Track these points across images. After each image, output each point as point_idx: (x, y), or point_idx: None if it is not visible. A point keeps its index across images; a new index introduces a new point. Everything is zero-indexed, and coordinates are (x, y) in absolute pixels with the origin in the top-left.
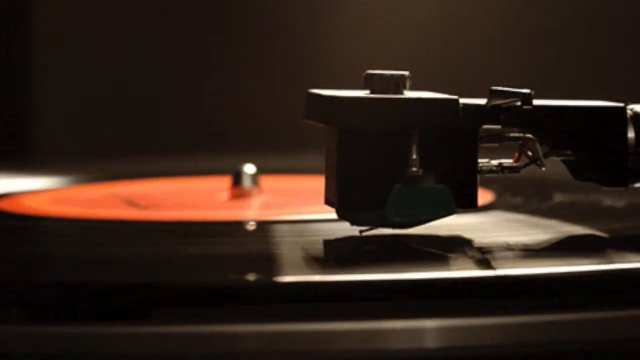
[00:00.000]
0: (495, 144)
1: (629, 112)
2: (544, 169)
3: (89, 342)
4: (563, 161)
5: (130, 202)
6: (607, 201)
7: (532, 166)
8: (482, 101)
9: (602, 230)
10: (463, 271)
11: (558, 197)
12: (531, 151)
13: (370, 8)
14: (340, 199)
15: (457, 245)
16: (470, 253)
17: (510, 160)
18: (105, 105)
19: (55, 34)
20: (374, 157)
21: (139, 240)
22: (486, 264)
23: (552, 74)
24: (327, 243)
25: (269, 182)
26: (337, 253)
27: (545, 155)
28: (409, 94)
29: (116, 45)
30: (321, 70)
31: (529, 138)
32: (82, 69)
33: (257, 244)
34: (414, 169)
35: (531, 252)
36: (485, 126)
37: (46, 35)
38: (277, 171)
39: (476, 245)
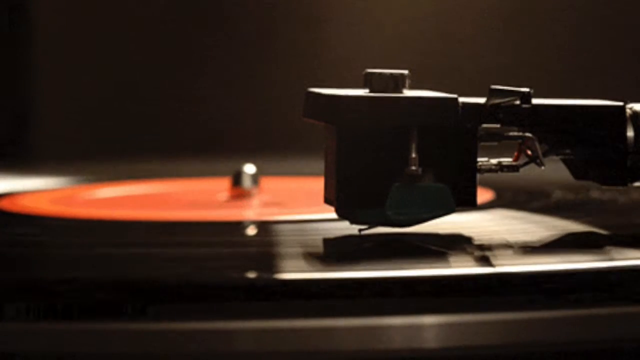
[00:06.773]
0: (495, 143)
1: (628, 111)
2: (543, 167)
3: (88, 340)
4: (562, 160)
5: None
6: (607, 200)
7: (532, 165)
8: (482, 100)
9: (601, 228)
10: (463, 269)
11: (557, 196)
12: (530, 150)
13: (370, 7)
14: (340, 198)
15: (456, 243)
16: (469, 251)
17: (510, 159)
18: (105, 105)
19: (55, 34)
20: (373, 155)
21: (139, 240)
22: (486, 262)
23: (552, 73)
24: (327, 241)
25: (269, 182)
26: (336, 251)
27: (545, 154)
28: (408, 92)
29: (116, 46)
30: (321, 70)
31: (529, 137)
32: (82, 70)
33: (257, 243)
34: (413, 167)
35: (530, 250)
36: (485, 125)
37: (46, 36)
38: (277, 173)
39: (476, 243)
